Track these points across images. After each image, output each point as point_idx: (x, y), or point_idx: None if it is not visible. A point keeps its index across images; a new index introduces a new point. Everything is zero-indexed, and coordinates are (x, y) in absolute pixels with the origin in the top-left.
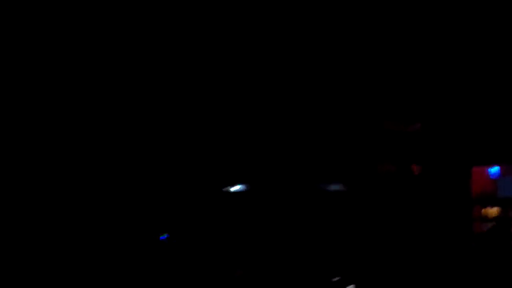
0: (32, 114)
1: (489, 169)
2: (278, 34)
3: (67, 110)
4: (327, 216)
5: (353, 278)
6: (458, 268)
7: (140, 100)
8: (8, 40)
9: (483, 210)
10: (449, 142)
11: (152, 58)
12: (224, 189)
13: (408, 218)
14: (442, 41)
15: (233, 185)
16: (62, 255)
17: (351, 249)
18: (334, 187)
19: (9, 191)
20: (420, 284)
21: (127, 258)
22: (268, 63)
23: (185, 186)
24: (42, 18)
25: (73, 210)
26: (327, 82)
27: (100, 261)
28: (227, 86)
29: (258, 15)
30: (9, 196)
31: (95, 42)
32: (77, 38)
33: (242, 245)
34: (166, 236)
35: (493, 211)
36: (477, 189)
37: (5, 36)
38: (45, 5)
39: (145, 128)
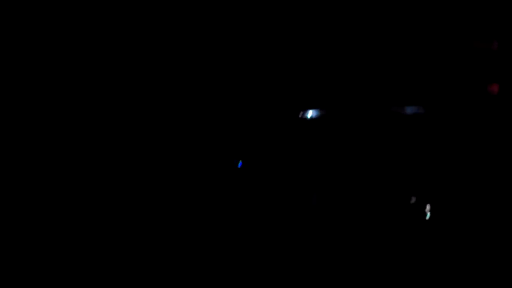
0: (32, 114)
1: None
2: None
3: (68, 110)
4: (402, 141)
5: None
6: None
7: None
8: (8, 40)
9: None
10: None
11: (158, 58)
12: (301, 115)
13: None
14: None
15: (309, 111)
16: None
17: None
18: (410, 110)
19: (9, 191)
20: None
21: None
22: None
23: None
24: (42, 18)
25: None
26: None
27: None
28: None
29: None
30: (9, 196)
31: (95, 42)
32: (77, 38)
33: (319, 172)
34: (240, 163)
35: None
36: None
37: (5, 36)
38: (45, 5)
39: None
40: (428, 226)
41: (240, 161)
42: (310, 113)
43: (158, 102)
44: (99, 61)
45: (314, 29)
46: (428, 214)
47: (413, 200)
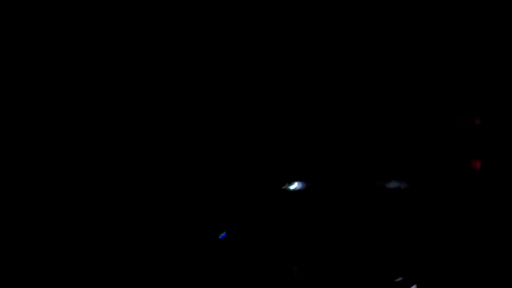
0: (32, 114)
1: None
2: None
3: (68, 110)
4: (388, 215)
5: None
6: None
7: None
8: (8, 40)
9: None
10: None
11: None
12: (283, 187)
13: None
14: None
15: (291, 182)
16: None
17: (412, 249)
18: (393, 184)
19: (9, 191)
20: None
21: (184, 256)
22: None
23: (243, 183)
24: (42, 18)
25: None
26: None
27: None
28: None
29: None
30: (9, 196)
31: (95, 42)
32: (77, 38)
33: (301, 244)
34: (223, 235)
35: None
36: None
37: (5, 36)
38: (45, 5)
39: (200, 125)
40: None
41: (224, 233)
42: (295, 185)
43: (158, 103)
44: (99, 61)
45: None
46: None
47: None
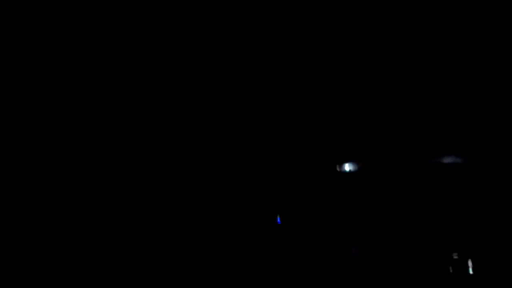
0: (32, 114)
1: None
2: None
3: (68, 110)
4: (445, 190)
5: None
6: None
7: None
8: (8, 40)
9: None
10: None
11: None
12: (338, 169)
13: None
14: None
15: (345, 163)
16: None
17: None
18: (449, 159)
19: (9, 191)
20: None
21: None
22: None
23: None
24: (42, 18)
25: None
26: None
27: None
28: None
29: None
30: (9, 196)
31: (95, 42)
32: (77, 38)
33: (358, 224)
34: (279, 219)
35: None
36: None
37: (5, 36)
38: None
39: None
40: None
41: (278, 217)
42: (347, 166)
43: (159, 104)
44: (99, 62)
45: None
46: (470, 270)
47: (452, 254)
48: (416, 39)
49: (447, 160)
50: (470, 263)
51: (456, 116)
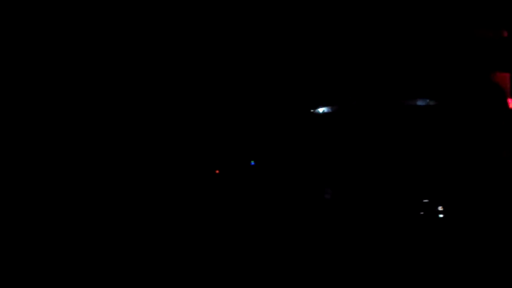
0: (32, 114)
1: None
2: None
3: (68, 111)
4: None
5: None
6: None
7: None
8: (8, 40)
9: None
10: None
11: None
12: (312, 111)
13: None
14: None
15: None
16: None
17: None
18: (422, 102)
19: (9, 191)
20: None
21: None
22: None
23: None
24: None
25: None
26: None
27: None
28: None
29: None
30: (9, 196)
31: (94, 42)
32: (77, 38)
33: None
34: (252, 163)
35: None
36: None
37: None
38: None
39: None
40: (435, 225)
41: (252, 161)
42: (321, 109)
43: (159, 103)
44: (99, 62)
45: (322, 28)
46: (439, 214)
47: (422, 198)
48: None
49: (420, 102)
50: (440, 208)
51: (426, 58)
